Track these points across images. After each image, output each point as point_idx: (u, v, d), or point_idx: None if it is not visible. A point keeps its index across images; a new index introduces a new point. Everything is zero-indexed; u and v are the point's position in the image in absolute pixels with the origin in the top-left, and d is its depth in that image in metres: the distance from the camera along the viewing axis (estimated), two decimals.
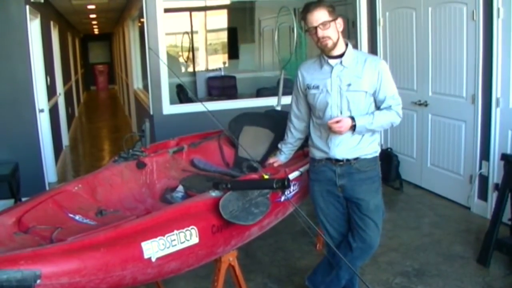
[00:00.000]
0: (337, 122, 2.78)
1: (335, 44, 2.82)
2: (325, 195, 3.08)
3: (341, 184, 2.99)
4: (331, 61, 2.88)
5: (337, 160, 2.95)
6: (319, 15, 2.76)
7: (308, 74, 2.99)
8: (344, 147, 2.92)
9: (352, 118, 2.80)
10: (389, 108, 2.90)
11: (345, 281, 3.19)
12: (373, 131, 2.94)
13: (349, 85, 2.85)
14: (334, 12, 2.81)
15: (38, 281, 1.96)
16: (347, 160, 2.94)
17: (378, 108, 2.93)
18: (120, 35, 13.16)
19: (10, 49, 5.35)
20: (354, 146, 2.92)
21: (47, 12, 7.84)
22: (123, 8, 10.01)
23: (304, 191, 3.34)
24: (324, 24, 2.76)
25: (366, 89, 2.86)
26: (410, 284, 3.64)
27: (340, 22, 2.85)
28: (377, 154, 3.05)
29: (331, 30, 2.78)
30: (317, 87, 2.92)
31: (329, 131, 2.85)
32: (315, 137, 3.03)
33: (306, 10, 2.79)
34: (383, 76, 2.87)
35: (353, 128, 2.82)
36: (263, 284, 3.73)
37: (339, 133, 2.82)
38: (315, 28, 2.77)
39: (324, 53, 2.89)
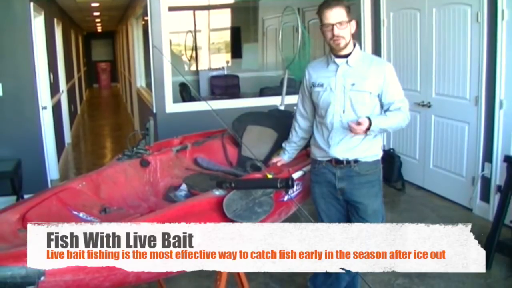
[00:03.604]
0: (359, 124, 2.71)
1: (346, 44, 2.82)
2: (326, 197, 3.09)
3: (341, 187, 3.00)
4: (338, 60, 2.88)
5: (337, 162, 2.96)
6: (339, 14, 2.76)
7: (315, 72, 3.00)
8: (344, 146, 2.91)
9: (369, 119, 2.74)
10: (399, 109, 2.89)
11: (347, 283, 3.20)
12: (384, 131, 2.93)
13: (353, 84, 2.85)
14: (350, 13, 2.82)
15: (42, 278, 1.97)
16: (347, 162, 2.94)
17: (384, 110, 2.92)
18: (123, 33, 13.17)
19: (14, 46, 5.35)
20: (355, 147, 2.92)
21: (51, 9, 7.85)
22: (127, 6, 10.02)
23: (307, 190, 3.33)
24: (341, 23, 2.76)
25: (370, 90, 2.85)
26: (412, 285, 3.65)
27: (353, 24, 2.85)
28: (379, 157, 3.04)
29: (346, 31, 2.79)
30: (322, 85, 2.93)
31: (349, 131, 2.80)
32: (317, 136, 3.04)
33: (326, 5, 2.78)
34: (389, 79, 2.87)
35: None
36: (264, 284, 3.74)
37: (356, 133, 2.77)
38: (332, 25, 2.77)
39: (332, 51, 2.89)
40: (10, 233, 2.39)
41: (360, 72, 2.85)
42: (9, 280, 1.92)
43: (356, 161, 2.94)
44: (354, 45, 2.90)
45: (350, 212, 3.06)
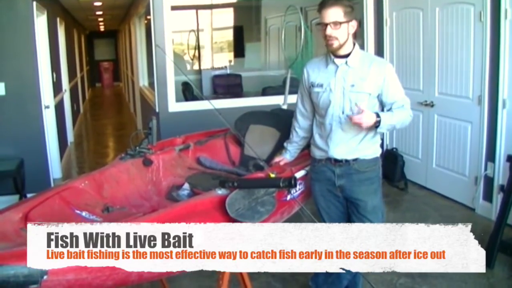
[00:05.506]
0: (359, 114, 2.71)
1: (341, 46, 2.80)
2: (325, 195, 3.10)
3: (340, 184, 3.00)
4: (337, 61, 2.87)
5: (336, 161, 2.96)
6: (334, 14, 2.73)
7: (314, 72, 2.99)
8: (343, 148, 2.92)
9: (377, 114, 2.76)
10: (402, 107, 2.88)
11: (348, 281, 3.20)
12: (393, 128, 2.95)
13: (352, 85, 2.84)
14: (350, 14, 2.78)
15: (45, 277, 1.97)
16: (346, 160, 2.94)
17: (387, 109, 2.90)
18: (126, 32, 13.17)
19: (17, 45, 5.36)
20: (354, 147, 2.92)
21: (53, 8, 7.86)
22: (130, 5, 10.02)
23: (309, 190, 3.34)
24: (335, 23, 2.74)
25: (369, 91, 2.85)
26: (414, 285, 3.64)
27: (353, 24, 2.82)
28: (378, 155, 3.04)
29: (340, 31, 2.76)
30: (321, 86, 2.92)
31: (350, 122, 2.79)
32: (316, 135, 3.04)
33: (323, 4, 2.76)
34: (389, 79, 2.85)
35: (377, 124, 2.76)
36: (266, 283, 3.74)
37: (359, 125, 2.75)
38: (326, 24, 2.75)
39: (330, 51, 2.88)
40: (13, 232, 2.39)
41: (359, 73, 2.84)
42: (12, 279, 1.92)
43: (355, 159, 2.94)
44: (354, 45, 2.88)
45: (350, 209, 3.07)
